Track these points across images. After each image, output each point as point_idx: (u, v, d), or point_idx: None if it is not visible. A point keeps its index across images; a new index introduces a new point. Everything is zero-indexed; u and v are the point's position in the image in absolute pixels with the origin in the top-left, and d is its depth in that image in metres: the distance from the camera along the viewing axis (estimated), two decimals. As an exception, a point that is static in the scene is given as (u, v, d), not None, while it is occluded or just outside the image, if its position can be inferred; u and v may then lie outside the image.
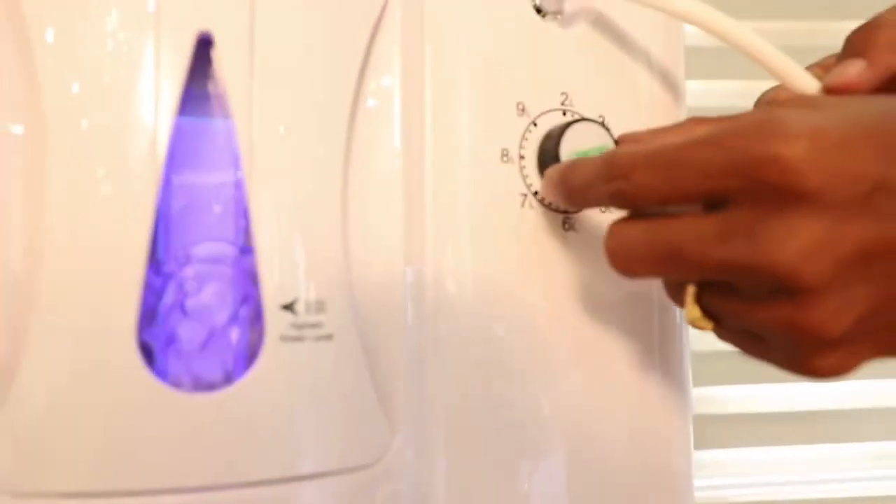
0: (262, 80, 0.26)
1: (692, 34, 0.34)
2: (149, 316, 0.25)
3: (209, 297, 0.26)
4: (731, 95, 0.65)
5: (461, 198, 0.30)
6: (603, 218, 0.32)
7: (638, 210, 0.26)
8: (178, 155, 0.26)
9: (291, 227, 0.26)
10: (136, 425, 0.24)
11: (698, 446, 0.38)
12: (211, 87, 0.26)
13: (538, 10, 0.32)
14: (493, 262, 0.30)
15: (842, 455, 0.68)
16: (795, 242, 0.21)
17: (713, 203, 0.23)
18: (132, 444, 0.24)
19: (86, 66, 0.24)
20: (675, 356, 0.34)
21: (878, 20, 0.28)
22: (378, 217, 0.28)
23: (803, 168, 0.21)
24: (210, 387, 0.25)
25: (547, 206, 0.31)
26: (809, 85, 0.28)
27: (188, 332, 0.26)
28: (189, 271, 0.26)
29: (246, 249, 0.27)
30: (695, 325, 0.26)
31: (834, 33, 0.33)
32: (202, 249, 0.27)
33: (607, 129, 0.31)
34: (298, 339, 0.25)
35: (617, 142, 0.31)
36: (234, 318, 0.27)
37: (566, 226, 0.32)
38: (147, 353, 0.25)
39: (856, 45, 0.28)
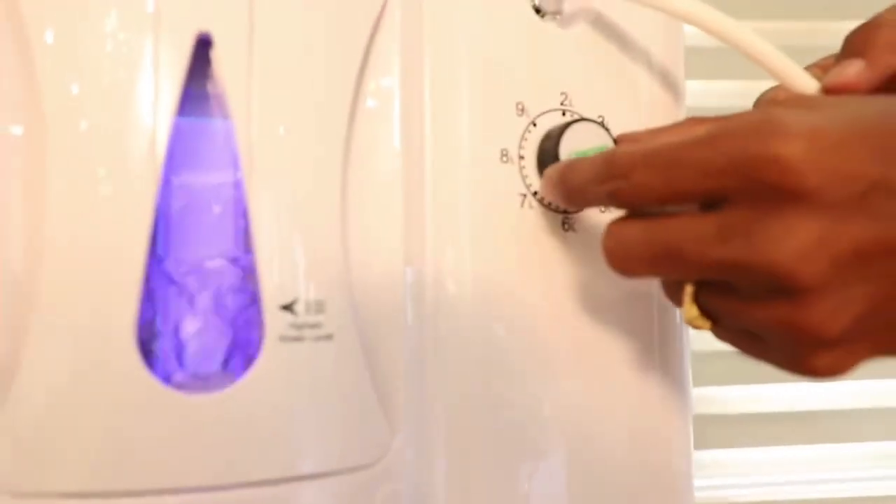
0: (262, 80, 0.26)
1: (692, 34, 0.34)
2: (148, 316, 0.25)
3: (208, 297, 0.26)
4: (731, 95, 0.65)
5: (461, 198, 0.30)
6: (602, 218, 0.32)
7: (636, 210, 0.26)
8: (178, 155, 0.26)
9: (291, 227, 0.26)
10: (136, 425, 0.24)
11: (698, 446, 0.38)
12: (210, 88, 0.26)
13: (537, 11, 0.32)
14: (492, 262, 0.30)
15: (842, 455, 0.68)
16: (793, 242, 0.21)
17: (711, 203, 0.23)
18: (132, 445, 0.24)
19: (85, 67, 0.24)
20: (675, 356, 0.34)
21: (877, 20, 0.28)
22: (378, 217, 0.28)
23: (801, 168, 0.21)
24: (210, 387, 0.25)
25: (546, 206, 0.31)
26: (809, 85, 0.28)
27: (188, 332, 0.26)
28: (188, 271, 0.26)
29: (245, 249, 0.27)
30: (692, 325, 0.26)
31: (833, 33, 0.33)
32: (201, 250, 0.27)
33: (607, 130, 0.31)
34: (298, 339, 0.25)
35: (616, 141, 0.31)
36: (233, 319, 0.27)
37: (566, 226, 0.32)
38: (147, 353, 0.25)
39: (855, 45, 0.28)
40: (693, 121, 0.31)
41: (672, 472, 0.33)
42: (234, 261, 0.27)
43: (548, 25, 0.32)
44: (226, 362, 0.26)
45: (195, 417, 0.24)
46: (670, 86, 0.35)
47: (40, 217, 0.24)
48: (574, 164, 0.28)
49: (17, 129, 0.25)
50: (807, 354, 0.23)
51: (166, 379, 0.25)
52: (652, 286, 0.33)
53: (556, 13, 0.32)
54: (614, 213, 0.27)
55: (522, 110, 0.31)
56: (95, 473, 0.24)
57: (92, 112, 0.24)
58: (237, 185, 0.26)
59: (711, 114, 0.30)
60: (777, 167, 0.21)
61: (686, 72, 0.36)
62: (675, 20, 0.32)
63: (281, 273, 0.25)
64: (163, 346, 0.26)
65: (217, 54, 0.25)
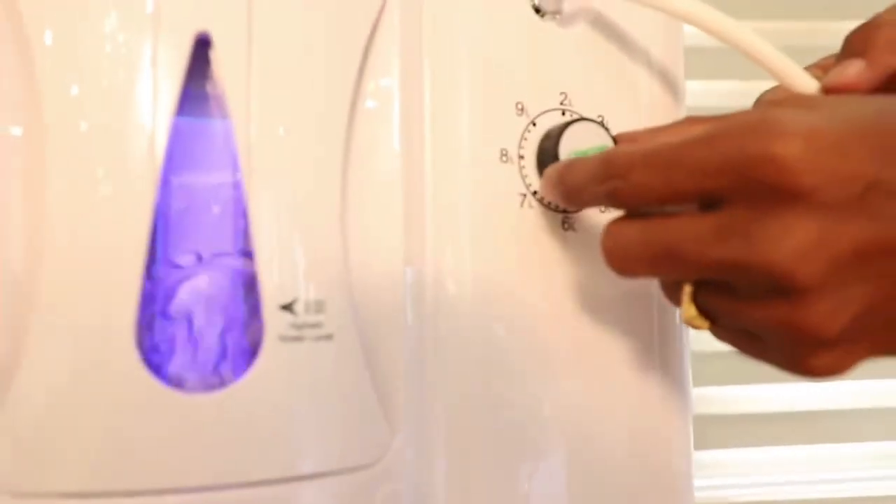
0: (261, 80, 0.26)
1: (692, 34, 0.34)
2: (148, 316, 0.25)
3: (208, 297, 0.26)
4: (731, 95, 0.65)
5: (461, 198, 0.30)
6: (602, 217, 0.32)
7: (635, 210, 0.26)
8: (177, 155, 0.26)
9: (290, 227, 0.26)
10: (136, 425, 0.24)
11: (698, 446, 0.38)
12: (209, 88, 0.26)
13: (537, 10, 0.32)
14: (492, 262, 0.30)
15: (842, 455, 0.68)
16: (791, 242, 0.21)
17: (709, 202, 0.23)
18: (132, 444, 0.24)
19: (85, 68, 0.24)
20: (675, 356, 0.34)
21: (877, 20, 0.28)
22: (378, 217, 0.28)
23: (799, 168, 0.21)
24: (209, 387, 0.25)
25: (546, 206, 0.31)
26: (809, 85, 0.28)
27: (187, 332, 0.26)
28: (188, 272, 0.26)
29: (245, 250, 0.27)
30: (691, 325, 0.26)
31: (833, 33, 0.33)
32: (201, 249, 0.27)
33: (606, 129, 0.31)
34: (298, 339, 0.25)
35: (615, 141, 0.31)
36: (233, 319, 0.27)
37: (566, 225, 0.32)
38: (146, 353, 0.25)
39: (855, 45, 0.28)
40: (691, 120, 0.31)
41: (672, 472, 0.33)
42: (233, 261, 0.27)
43: (547, 25, 0.32)
44: (226, 362, 0.26)
45: (195, 417, 0.24)
46: (670, 86, 0.35)
47: (40, 217, 0.24)
48: (573, 164, 0.28)
49: (16, 130, 0.25)
50: (805, 354, 0.23)
51: (166, 379, 0.25)
52: (652, 286, 0.33)
53: (556, 13, 0.32)
54: (614, 213, 0.27)
55: (522, 110, 0.31)
56: (95, 473, 0.24)
57: (91, 112, 0.24)
58: (236, 185, 0.26)
59: (711, 114, 0.30)
60: (774, 167, 0.21)
61: (686, 72, 0.36)
62: (675, 20, 0.32)
63: (280, 273, 0.26)
64: (162, 345, 0.26)
65: (216, 54, 0.25)
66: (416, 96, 0.29)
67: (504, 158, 0.31)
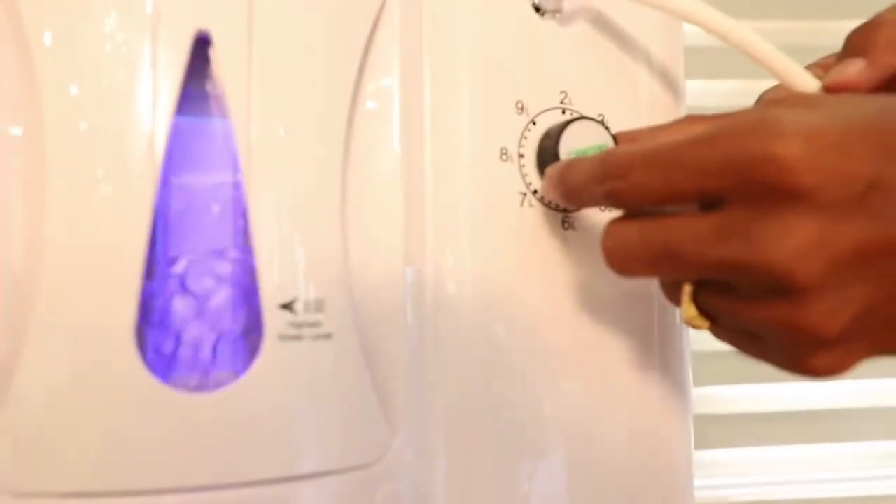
0: (261, 80, 0.26)
1: (692, 33, 0.34)
2: (148, 316, 0.25)
3: (208, 296, 0.26)
4: (731, 95, 0.65)
5: (461, 197, 0.30)
6: (602, 216, 0.32)
7: (635, 210, 0.26)
8: (177, 155, 0.26)
9: (290, 227, 0.26)
10: (136, 425, 0.24)
11: (698, 446, 0.38)
12: (209, 88, 0.26)
13: (537, 9, 0.32)
14: (493, 262, 0.30)
15: (841, 455, 0.68)
16: (791, 242, 0.21)
17: (710, 202, 0.23)
18: (132, 444, 0.24)
19: (84, 68, 0.24)
20: (675, 356, 0.34)
21: (877, 19, 0.28)
22: (378, 217, 0.28)
23: (799, 167, 0.21)
24: (209, 386, 0.25)
25: (547, 205, 0.31)
26: (809, 84, 0.28)
27: (187, 332, 0.26)
28: (187, 271, 0.26)
29: (244, 249, 0.27)
30: (691, 325, 0.26)
31: (834, 33, 0.33)
32: (201, 249, 0.27)
33: (607, 128, 0.31)
34: (297, 338, 0.25)
35: (615, 139, 0.31)
36: (232, 318, 0.27)
37: (566, 224, 0.32)
38: (146, 352, 0.25)
39: (856, 44, 0.28)
40: (691, 119, 0.31)
41: (672, 472, 0.33)
42: (233, 260, 0.27)
43: (547, 24, 0.32)
44: (225, 361, 0.26)
45: (195, 417, 0.24)
46: (670, 85, 0.35)
47: (40, 217, 0.24)
48: (573, 163, 0.28)
49: (16, 130, 0.25)
50: (806, 354, 0.23)
51: (166, 378, 0.25)
52: (652, 286, 0.33)
53: (556, 12, 0.32)
54: (615, 212, 0.27)
55: (522, 109, 0.31)
56: (95, 473, 0.24)
57: (91, 113, 0.24)
58: (236, 185, 0.26)
59: (711, 113, 0.30)
60: (774, 167, 0.21)
61: (686, 71, 0.36)
62: (675, 19, 0.32)
63: (280, 272, 0.25)
64: (162, 345, 0.26)
65: (216, 53, 0.25)
66: (416, 96, 0.29)
67: (504, 157, 0.31)
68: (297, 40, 0.27)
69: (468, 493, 0.29)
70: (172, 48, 0.25)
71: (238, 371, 0.26)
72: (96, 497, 0.24)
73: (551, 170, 0.29)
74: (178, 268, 0.26)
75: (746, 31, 0.29)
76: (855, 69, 0.27)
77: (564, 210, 0.31)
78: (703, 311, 0.25)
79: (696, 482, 0.34)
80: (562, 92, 0.32)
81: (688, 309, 0.25)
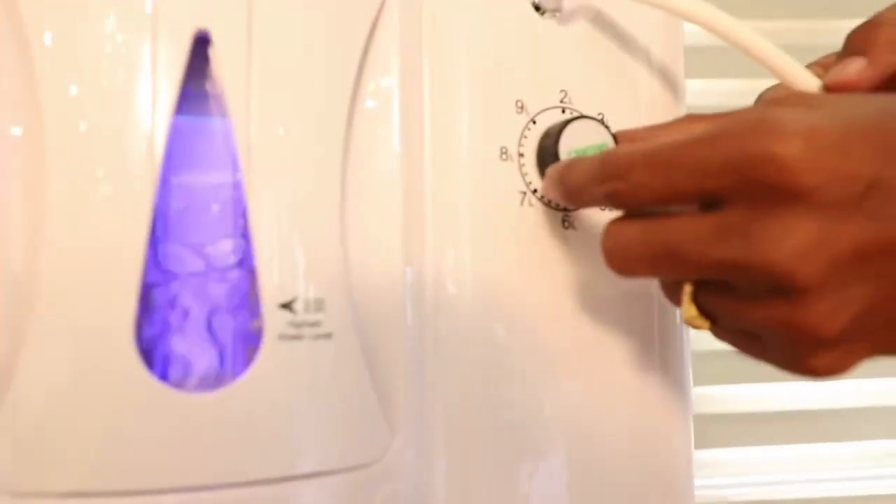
0: (261, 79, 0.26)
1: (692, 33, 0.34)
2: (147, 315, 0.25)
3: (207, 296, 0.26)
4: (731, 94, 0.65)
5: (460, 196, 0.30)
6: (603, 215, 0.32)
7: (635, 210, 0.26)
8: (177, 155, 0.26)
9: (290, 226, 0.26)
10: (135, 425, 0.24)
11: (698, 446, 0.38)
12: (209, 87, 0.26)
13: (537, 8, 0.32)
14: (493, 262, 0.30)
15: (841, 454, 0.68)
16: (791, 242, 0.21)
17: (710, 202, 0.23)
18: (131, 444, 0.24)
19: (84, 68, 0.24)
20: (676, 356, 0.34)
21: (878, 19, 0.28)
22: (377, 217, 0.28)
23: (799, 167, 0.21)
24: (209, 386, 0.25)
25: (547, 204, 0.31)
26: (810, 83, 0.28)
27: (186, 332, 0.26)
28: (187, 271, 0.26)
29: (244, 249, 0.27)
30: (691, 325, 0.26)
31: (834, 32, 0.33)
32: (200, 249, 0.27)
33: (607, 127, 0.31)
34: (297, 337, 0.25)
35: (615, 138, 0.31)
36: (232, 317, 0.27)
37: (566, 224, 0.32)
38: (146, 352, 0.25)
39: (856, 43, 0.28)
40: (691, 118, 0.31)
41: (672, 472, 0.33)
42: (232, 260, 0.27)
43: (547, 23, 0.32)
44: (225, 361, 0.26)
45: (194, 417, 0.24)
46: (670, 84, 0.35)
47: (40, 217, 0.24)
48: (573, 164, 0.28)
49: (16, 130, 0.25)
50: (806, 354, 0.23)
51: (165, 378, 0.25)
52: (652, 286, 0.33)
53: (556, 11, 0.32)
54: (615, 210, 0.27)
55: (522, 108, 0.31)
56: (95, 473, 0.24)
57: (91, 113, 0.24)
58: (236, 185, 0.26)
59: (711, 112, 0.30)
60: (774, 166, 0.21)
61: (686, 70, 0.35)
62: (676, 18, 0.32)
63: (280, 272, 0.25)
64: (162, 345, 0.26)
65: (215, 53, 0.25)
66: (416, 95, 0.29)
67: (504, 156, 0.31)
68: (296, 39, 0.27)
69: (468, 493, 0.29)
70: (172, 48, 0.25)
71: (238, 371, 0.25)
72: (96, 497, 0.24)
73: (551, 170, 0.29)
74: (178, 267, 0.26)
75: (746, 31, 0.29)
76: (855, 68, 0.27)
77: (564, 209, 0.31)
78: (704, 311, 0.25)
79: (696, 482, 0.34)
80: (562, 91, 0.32)
81: (688, 309, 0.25)
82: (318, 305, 0.26)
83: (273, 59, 0.26)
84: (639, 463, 0.32)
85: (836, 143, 0.21)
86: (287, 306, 0.25)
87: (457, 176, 0.30)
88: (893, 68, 0.27)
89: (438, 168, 0.30)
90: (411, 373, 0.28)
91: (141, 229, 0.24)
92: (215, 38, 0.25)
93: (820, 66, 0.30)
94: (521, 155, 0.31)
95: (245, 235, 0.26)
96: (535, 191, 0.31)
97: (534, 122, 0.31)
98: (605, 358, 0.32)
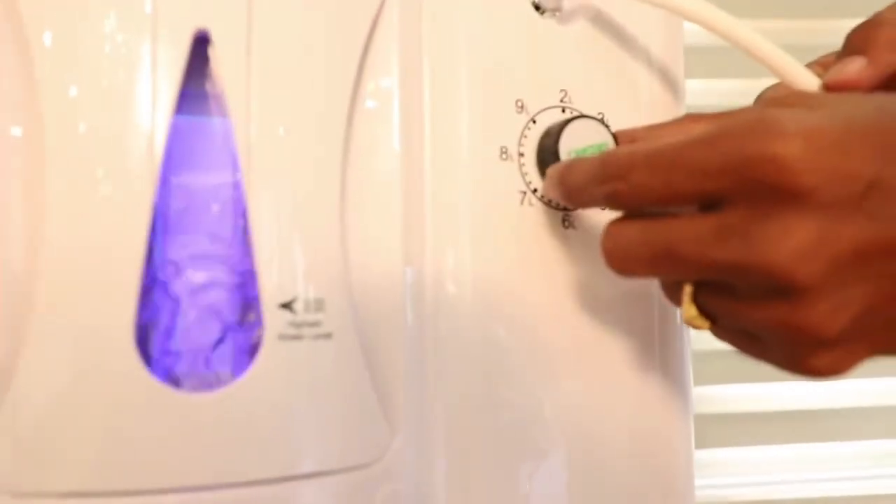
0: (260, 79, 0.26)
1: (692, 32, 0.34)
2: (147, 315, 0.25)
3: (207, 296, 0.26)
4: (731, 94, 0.65)
5: (461, 196, 0.30)
6: (603, 215, 0.32)
7: (635, 211, 0.26)
8: (176, 154, 0.26)
9: (290, 226, 0.26)
10: (135, 425, 0.24)
11: (698, 446, 0.38)
12: (209, 87, 0.26)
13: (537, 8, 0.32)
14: (493, 262, 0.30)
15: (842, 454, 0.68)
16: (790, 242, 0.21)
17: (710, 203, 0.23)
18: (131, 444, 0.24)
19: (84, 69, 0.24)
20: (676, 356, 0.34)
21: (878, 18, 0.28)
22: (377, 217, 0.28)
23: (798, 167, 0.21)
24: (209, 386, 0.25)
25: (547, 204, 0.31)
26: (810, 82, 0.28)
27: (186, 332, 0.26)
28: (187, 271, 0.26)
29: (244, 248, 0.27)
30: (691, 325, 0.26)
31: (834, 32, 0.33)
32: (200, 249, 0.27)
33: (607, 127, 0.31)
34: (297, 337, 0.25)
35: (615, 138, 0.31)
36: (232, 318, 0.27)
37: (566, 223, 0.32)
38: (146, 352, 0.25)
39: (856, 43, 0.28)
40: (691, 118, 0.31)
41: (672, 472, 0.33)
42: (232, 260, 0.27)
43: (547, 23, 0.32)
44: (225, 361, 0.26)
45: (194, 417, 0.24)
46: (670, 84, 0.35)
47: (40, 217, 0.24)
48: (573, 164, 0.28)
49: (16, 130, 0.25)
50: (806, 354, 0.23)
51: (165, 378, 0.25)
52: (652, 286, 0.33)
53: (556, 10, 0.32)
54: (615, 211, 0.27)
55: (522, 107, 0.31)
56: (95, 473, 0.24)
57: (90, 113, 0.24)
58: (236, 185, 0.26)
59: (711, 112, 0.30)
60: (774, 167, 0.21)
61: (686, 70, 0.35)
62: (676, 18, 0.32)
63: (280, 272, 0.25)
64: (162, 345, 0.26)
65: (215, 53, 0.25)
66: (416, 95, 0.29)
67: (504, 156, 0.31)
68: (296, 39, 0.27)
69: (468, 493, 0.29)
70: (172, 47, 0.25)
71: (238, 371, 0.25)
72: (96, 497, 0.24)
73: (552, 170, 0.29)
74: (178, 267, 0.26)
75: (747, 30, 0.29)
76: (855, 67, 0.27)
77: (565, 209, 0.31)
78: (704, 312, 0.25)
79: (696, 482, 0.34)
80: (562, 90, 0.32)
81: (688, 309, 0.25)
82: (318, 305, 0.26)
83: (273, 59, 0.26)
84: (639, 463, 0.32)
85: (836, 142, 0.21)
86: (287, 306, 0.25)
87: (457, 176, 0.30)
88: (893, 68, 0.27)
89: (438, 168, 0.30)
90: (411, 373, 0.28)
91: (141, 229, 0.24)
92: (215, 37, 0.25)
93: (820, 66, 0.30)
94: (521, 154, 0.31)
95: (245, 235, 0.26)
96: (535, 190, 0.31)
97: (534, 122, 0.31)
98: (605, 358, 0.32)
